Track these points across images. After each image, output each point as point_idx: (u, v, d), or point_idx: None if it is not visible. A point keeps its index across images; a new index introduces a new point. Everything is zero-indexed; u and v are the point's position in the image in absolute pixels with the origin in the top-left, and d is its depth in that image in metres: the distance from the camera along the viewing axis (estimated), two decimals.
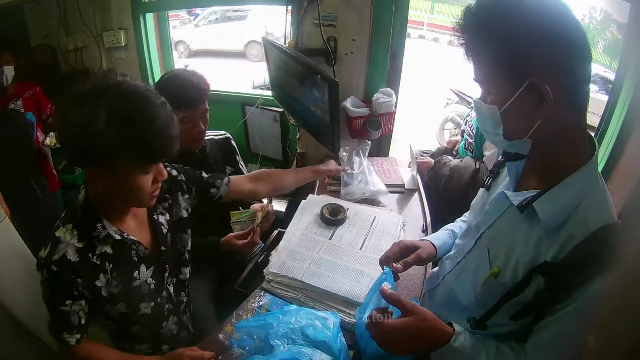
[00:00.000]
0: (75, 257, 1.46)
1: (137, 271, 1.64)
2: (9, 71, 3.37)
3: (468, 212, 1.73)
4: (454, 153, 3.69)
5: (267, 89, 3.53)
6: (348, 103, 3.10)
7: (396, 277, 1.61)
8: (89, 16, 4.05)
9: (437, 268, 1.82)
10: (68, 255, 1.44)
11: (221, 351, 1.70)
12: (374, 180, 2.85)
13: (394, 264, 1.64)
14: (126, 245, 1.60)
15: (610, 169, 2.92)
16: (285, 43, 3.22)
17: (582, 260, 1.10)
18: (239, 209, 2.48)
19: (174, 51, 4.64)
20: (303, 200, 2.65)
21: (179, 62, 4.50)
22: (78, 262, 1.46)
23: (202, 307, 2.28)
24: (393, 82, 3.30)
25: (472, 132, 3.19)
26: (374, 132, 3.08)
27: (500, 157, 1.48)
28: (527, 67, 1.07)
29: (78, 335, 1.55)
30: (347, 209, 2.52)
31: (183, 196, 1.89)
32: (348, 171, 2.73)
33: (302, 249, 2.20)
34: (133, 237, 1.62)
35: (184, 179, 1.91)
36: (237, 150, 2.76)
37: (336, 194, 2.81)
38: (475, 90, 1.37)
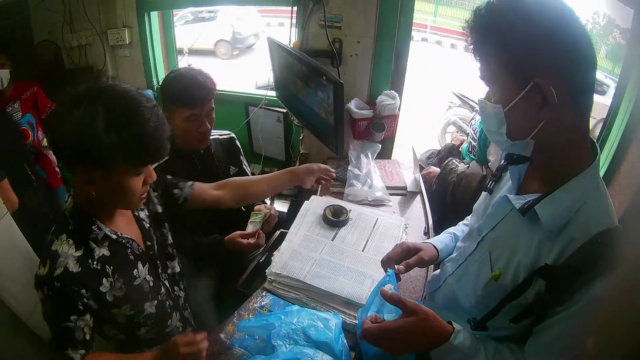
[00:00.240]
0: (77, 268, 1.44)
1: (135, 269, 1.64)
2: (4, 74, 3.31)
3: (470, 215, 1.74)
4: (460, 150, 3.69)
5: (271, 89, 3.55)
6: (352, 105, 3.12)
7: (398, 279, 1.61)
8: (94, 13, 4.04)
9: (438, 270, 1.83)
10: (70, 267, 1.43)
11: (222, 351, 1.70)
12: (378, 185, 2.86)
13: (396, 266, 1.64)
14: (122, 245, 1.61)
15: (612, 174, 2.92)
16: (290, 44, 3.22)
17: (582, 264, 1.11)
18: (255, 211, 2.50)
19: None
20: (306, 202, 2.65)
21: (183, 61, 4.49)
22: (80, 272, 1.45)
23: (203, 306, 2.29)
24: (397, 84, 3.31)
25: (476, 135, 3.19)
26: (378, 135, 3.10)
27: (503, 161, 1.49)
28: (533, 68, 1.08)
29: (83, 351, 1.49)
30: (350, 210, 2.52)
31: (153, 193, 1.88)
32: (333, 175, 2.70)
33: (304, 250, 2.20)
34: (127, 236, 1.63)
35: None
36: (241, 150, 2.77)
37: (339, 195, 2.81)
38: (477, 94, 1.38)
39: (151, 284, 1.70)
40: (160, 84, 3.78)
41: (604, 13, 9.26)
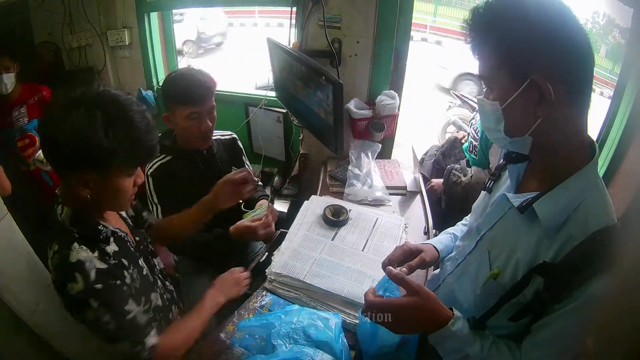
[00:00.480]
0: (103, 265, 1.46)
1: (140, 260, 1.69)
2: (8, 79, 3.33)
3: (469, 215, 1.75)
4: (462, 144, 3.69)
5: (271, 89, 3.54)
6: (352, 105, 3.12)
7: None
8: (94, 14, 4.04)
9: (438, 270, 1.83)
10: (98, 265, 1.45)
11: (223, 350, 1.71)
12: (378, 185, 2.86)
13: (399, 268, 1.64)
14: (123, 239, 1.65)
15: (612, 174, 2.92)
16: (289, 44, 3.22)
17: (580, 261, 1.12)
18: (245, 210, 2.49)
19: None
20: (306, 201, 2.65)
21: (183, 62, 4.50)
22: (108, 267, 1.48)
23: None
24: (397, 84, 3.32)
25: (478, 135, 3.19)
26: (377, 134, 3.11)
27: (502, 160, 1.49)
28: (530, 66, 1.10)
29: (153, 331, 1.55)
30: (350, 210, 2.52)
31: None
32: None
33: (304, 250, 2.21)
34: (124, 230, 1.68)
35: None
36: (243, 150, 2.77)
37: (339, 195, 2.82)
38: (476, 94, 1.38)
39: (151, 277, 1.74)
40: (160, 84, 3.78)
41: (603, 12, 9.29)
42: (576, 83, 1.12)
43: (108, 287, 1.44)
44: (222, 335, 1.77)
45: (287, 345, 1.58)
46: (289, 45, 3.19)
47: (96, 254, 1.47)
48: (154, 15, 4.19)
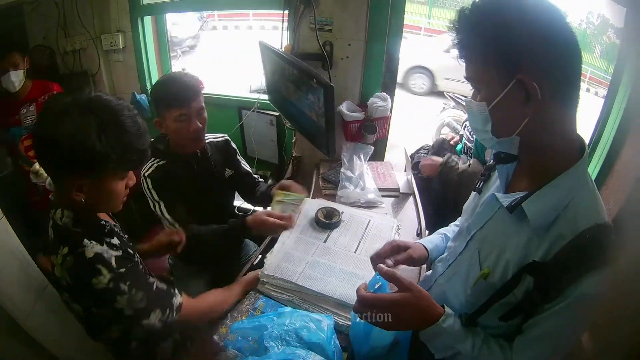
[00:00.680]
0: (117, 252, 1.54)
1: (136, 252, 1.76)
2: (16, 76, 3.29)
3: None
4: (451, 144, 3.68)
5: (264, 92, 3.55)
6: (344, 107, 3.13)
7: None
8: (88, 18, 4.04)
9: (430, 271, 1.84)
10: (114, 254, 1.52)
11: (216, 352, 1.71)
12: (370, 187, 2.87)
13: (387, 260, 1.65)
14: (120, 234, 1.70)
15: (606, 174, 2.92)
16: (281, 47, 3.23)
17: (570, 260, 1.12)
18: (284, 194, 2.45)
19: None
20: None
21: (177, 65, 4.50)
22: (121, 254, 1.56)
23: None
24: (389, 86, 3.32)
25: (472, 137, 3.19)
26: (370, 137, 3.12)
27: (491, 160, 1.50)
28: (516, 65, 1.10)
29: (176, 291, 1.73)
30: (342, 212, 2.53)
31: None
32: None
33: (296, 252, 2.21)
34: (118, 226, 1.74)
35: None
36: (237, 150, 2.76)
37: (331, 197, 2.83)
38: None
39: (144, 268, 1.81)
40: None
41: (598, 13, 9.28)
42: (564, 81, 1.12)
43: (130, 269, 1.54)
44: (215, 337, 1.76)
45: (280, 347, 1.57)
46: (281, 48, 3.20)
47: (105, 246, 1.52)
48: (148, 19, 4.20)
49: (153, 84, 4.11)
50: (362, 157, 3.05)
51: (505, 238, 1.30)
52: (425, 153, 3.74)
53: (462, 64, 1.24)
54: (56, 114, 1.39)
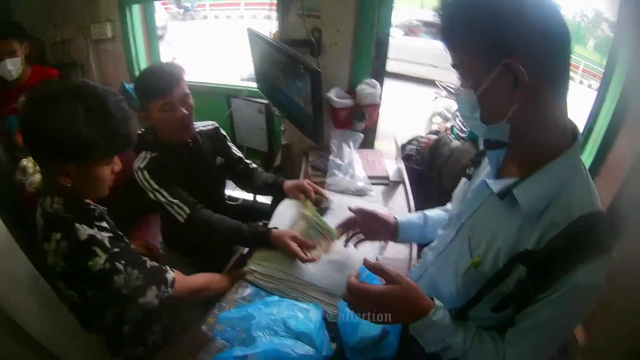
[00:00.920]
0: (108, 234, 1.59)
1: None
2: (13, 64, 3.19)
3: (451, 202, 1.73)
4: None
5: (253, 81, 3.53)
6: (332, 94, 3.10)
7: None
8: (76, 8, 4.02)
9: (420, 260, 1.82)
10: (106, 234, 1.58)
11: (204, 343, 1.69)
12: (360, 175, 2.84)
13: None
14: (108, 219, 1.71)
15: (599, 164, 2.92)
16: (270, 35, 3.21)
17: (564, 249, 1.09)
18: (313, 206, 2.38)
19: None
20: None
21: (166, 54, 4.48)
22: (112, 235, 1.61)
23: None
24: (378, 73, 3.29)
25: (465, 128, 3.19)
26: (359, 123, 3.10)
27: (482, 146, 1.48)
28: (502, 50, 1.06)
29: (168, 267, 1.80)
30: (331, 200, 2.52)
31: None
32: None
33: None
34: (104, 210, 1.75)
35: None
36: (227, 136, 2.73)
37: (321, 185, 2.77)
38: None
39: None
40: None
41: (592, 6, 9.33)
42: (552, 66, 1.08)
43: (123, 248, 1.60)
44: (204, 327, 1.75)
45: (267, 337, 1.56)
46: (269, 35, 3.18)
47: (96, 229, 1.56)
48: (136, 8, 4.17)
49: None
50: (351, 144, 3.02)
51: (496, 226, 1.27)
52: (417, 145, 3.73)
53: (447, 51, 1.20)
54: (43, 100, 1.42)
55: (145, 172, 2.19)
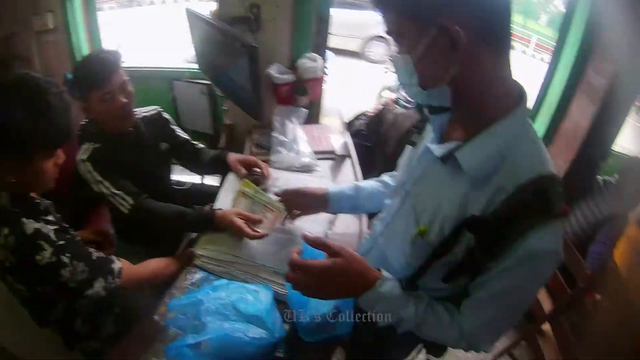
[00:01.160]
0: (54, 226, 1.58)
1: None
2: None
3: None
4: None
5: (195, 62, 3.48)
6: (273, 70, 3.07)
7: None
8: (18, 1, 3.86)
9: (370, 232, 1.80)
10: (51, 227, 1.56)
11: (156, 332, 1.65)
12: (305, 151, 2.83)
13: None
14: (54, 212, 1.70)
15: (553, 133, 2.97)
16: (209, 13, 3.16)
17: (513, 214, 1.06)
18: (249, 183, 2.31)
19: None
20: (229, 173, 2.61)
21: (109, 44, 4.38)
22: (58, 227, 1.60)
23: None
24: (320, 47, 3.28)
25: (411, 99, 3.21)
26: (301, 98, 3.09)
27: (426, 111, 1.45)
28: (435, 11, 1.00)
29: (114, 257, 1.79)
30: (277, 178, 2.52)
31: None
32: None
33: None
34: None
35: None
36: (170, 120, 2.68)
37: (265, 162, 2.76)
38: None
39: None
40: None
41: None
42: (492, 26, 1.03)
43: (68, 240, 1.59)
44: (156, 317, 1.71)
45: (217, 321, 1.53)
46: (208, 13, 3.14)
47: (42, 223, 1.55)
48: None
49: None
50: (294, 120, 3.00)
51: (441, 192, 1.23)
52: (365, 121, 3.73)
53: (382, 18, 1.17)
54: None
55: (88, 164, 2.14)
